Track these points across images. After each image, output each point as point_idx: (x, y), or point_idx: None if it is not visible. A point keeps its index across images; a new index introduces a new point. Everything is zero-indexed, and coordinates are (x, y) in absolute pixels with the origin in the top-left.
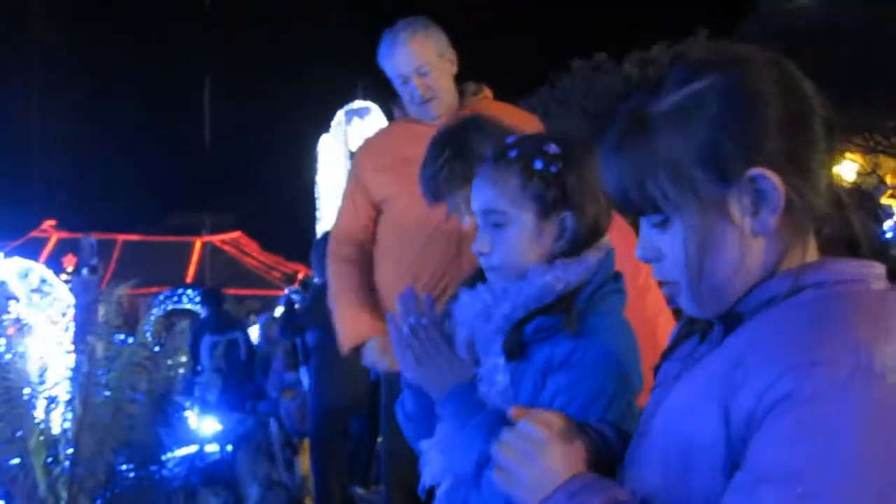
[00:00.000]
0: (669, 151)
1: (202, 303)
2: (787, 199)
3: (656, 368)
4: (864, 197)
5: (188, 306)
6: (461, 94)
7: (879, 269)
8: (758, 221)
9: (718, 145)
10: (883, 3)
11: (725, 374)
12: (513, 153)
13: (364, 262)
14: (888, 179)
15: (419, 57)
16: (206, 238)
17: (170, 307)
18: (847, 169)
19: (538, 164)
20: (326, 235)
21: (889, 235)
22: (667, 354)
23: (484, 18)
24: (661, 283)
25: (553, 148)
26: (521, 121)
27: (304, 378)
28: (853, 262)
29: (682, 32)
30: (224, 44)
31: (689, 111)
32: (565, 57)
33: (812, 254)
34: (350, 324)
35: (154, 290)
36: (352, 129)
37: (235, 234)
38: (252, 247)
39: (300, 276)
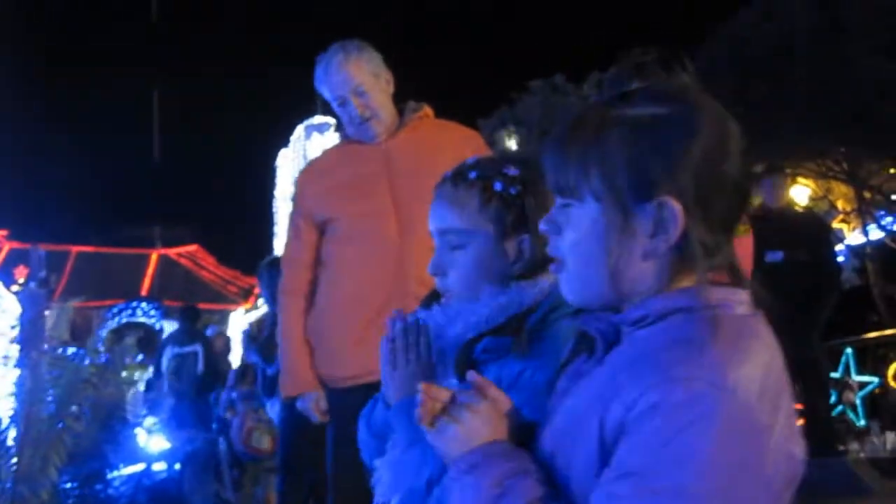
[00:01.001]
0: (610, 153)
1: (181, 317)
2: (683, 233)
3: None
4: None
5: (142, 319)
6: (401, 112)
7: (744, 295)
8: (651, 244)
9: (650, 165)
10: (836, 28)
11: (603, 389)
12: (472, 174)
13: (312, 289)
14: (839, 204)
15: (355, 78)
16: (162, 251)
17: (124, 320)
18: (800, 194)
19: (498, 186)
20: (273, 261)
21: (841, 259)
22: (559, 372)
23: (443, 39)
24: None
25: (513, 170)
26: (462, 139)
27: (271, 411)
28: (721, 288)
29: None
30: (178, 56)
31: (642, 127)
32: (524, 78)
33: (688, 281)
34: (293, 375)
35: (108, 302)
36: (311, 144)
37: (192, 248)
38: (209, 261)
39: (256, 290)
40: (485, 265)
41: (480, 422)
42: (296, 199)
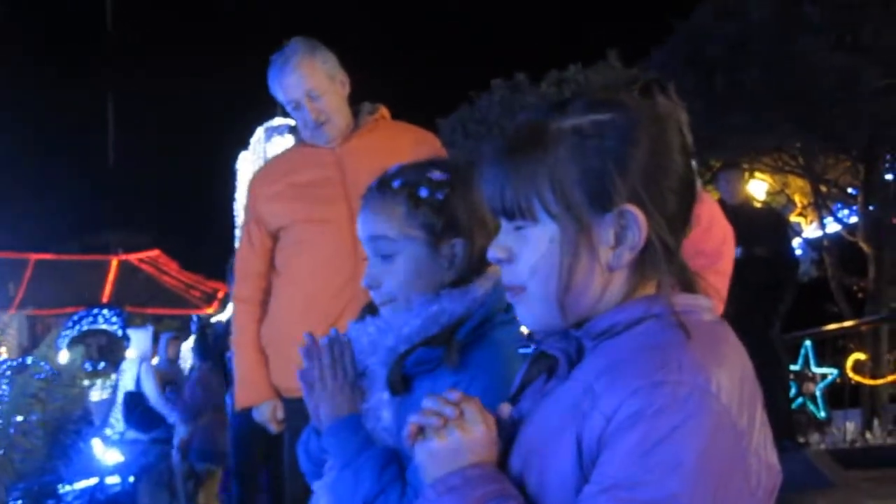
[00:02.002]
0: (559, 167)
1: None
2: (647, 241)
3: (513, 402)
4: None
5: (104, 326)
6: (356, 114)
7: (706, 302)
8: (614, 255)
9: (605, 174)
10: (793, 24)
11: (575, 403)
12: (397, 182)
13: (266, 297)
14: (796, 198)
15: (309, 81)
16: (123, 256)
17: (85, 327)
18: (757, 188)
19: (423, 192)
20: None
21: (799, 252)
22: (516, 396)
23: (404, 38)
24: (507, 288)
25: (438, 174)
26: (418, 141)
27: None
28: (686, 295)
29: (596, 55)
30: (134, 59)
31: (587, 136)
32: (484, 76)
33: (650, 288)
34: (246, 385)
35: (69, 310)
36: (271, 147)
37: (153, 253)
38: (171, 265)
39: (220, 294)
40: (418, 274)
41: (468, 443)
42: (248, 205)
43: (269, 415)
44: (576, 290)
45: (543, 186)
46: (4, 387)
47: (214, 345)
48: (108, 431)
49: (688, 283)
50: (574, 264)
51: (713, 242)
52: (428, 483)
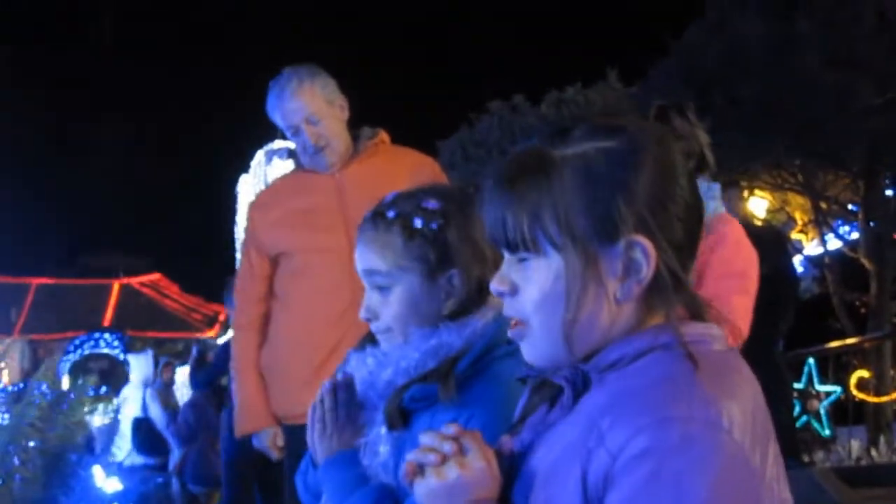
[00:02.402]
0: (564, 196)
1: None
2: (656, 272)
3: (513, 432)
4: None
5: (106, 350)
6: (356, 139)
7: (718, 331)
8: (623, 287)
9: (612, 205)
10: (789, 41)
11: (580, 438)
12: (391, 213)
13: (265, 323)
14: (797, 216)
15: (308, 106)
16: (124, 280)
17: (86, 352)
18: (757, 206)
19: (418, 223)
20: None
21: (800, 269)
22: (517, 427)
23: (402, 61)
24: (510, 322)
25: (432, 203)
26: (417, 165)
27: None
28: (696, 324)
29: (594, 74)
30: (134, 82)
31: (592, 163)
32: (482, 99)
33: (659, 318)
34: (246, 411)
35: (70, 334)
36: (271, 170)
37: (154, 276)
38: (172, 289)
39: (221, 317)
40: (415, 305)
41: (468, 481)
42: (248, 231)
43: (269, 442)
44: (582, 325)
45: (547, 217)
46: (4, 414)
47: (212, 371)
48: (109, 458)
49: (697, 311)
50: (580, 298)
51: (741, 263)
52: None
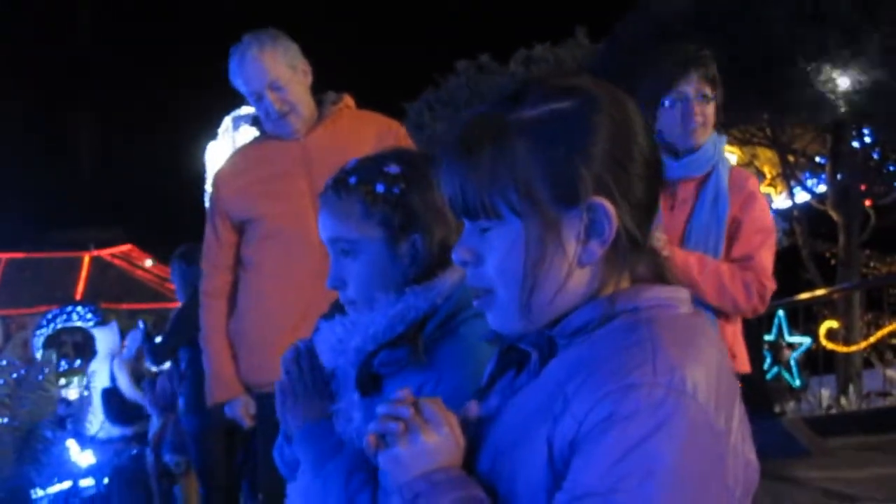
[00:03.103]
0: (521, 162)
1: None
2: (616, 233)
3: (481, 397)
4: None
5: (79, 324)
6: (320, 104)
7: (685, 293)
8: (586, 250)
9: (570, 167)
10: None
11: (546, 404)
12: (353, 179)
13: (233, 291)
14: (765, 169)
15: (270, 71)
16: (95, 252)
17: (59, 325)
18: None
19: (380, 188)
20: (183, 253)
21: None
22: (485, 391)
23: (368, 23)
24: (474, 291)
25: (394, 168)
26: (383, 129)
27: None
28: (663, 287)
29: (562, 32)
30: (100, 52)
31: (548, 127)
32: (450, 58)
33: (625, 282)
34: (220, 380)
35: (43, 308)
36: (240, 136)
37: (126, 247)
38: (144, 259)
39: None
40: (380, 272)
41: (432, 447)
42: (212, 199)
43: (241, 410)
44: (546, 289)
45: (506, 184)
46: None
47: (166, 342)
48: (83, 431)
49: (661, 274)
50: (543, 262)
51: (767, 219)
52: (394, 489)
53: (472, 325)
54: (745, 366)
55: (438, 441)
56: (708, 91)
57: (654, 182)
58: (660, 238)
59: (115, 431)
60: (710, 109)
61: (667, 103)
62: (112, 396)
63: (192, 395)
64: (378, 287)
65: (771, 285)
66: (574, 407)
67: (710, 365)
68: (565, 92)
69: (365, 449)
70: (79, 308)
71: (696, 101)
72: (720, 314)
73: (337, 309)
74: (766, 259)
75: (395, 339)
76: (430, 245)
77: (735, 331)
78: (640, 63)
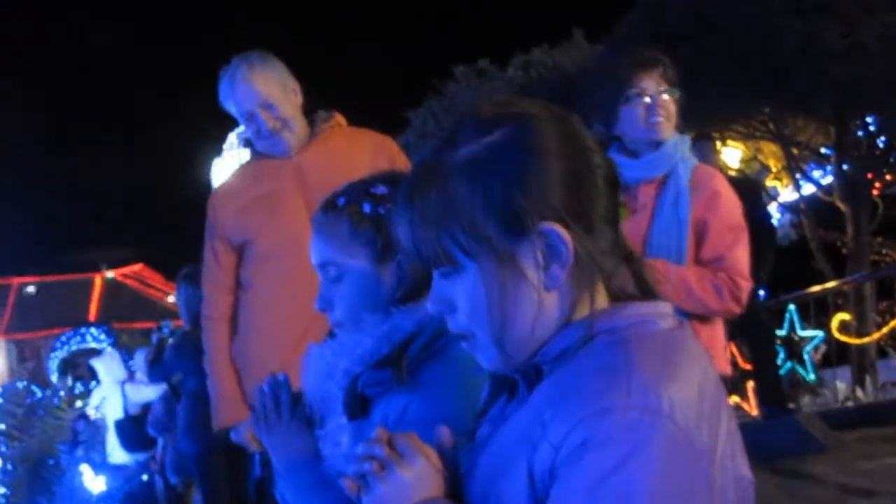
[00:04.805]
0: (463, 203)
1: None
2: (574, 253)
3: (472, 432)
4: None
5: (93, 345)
6: (311, 122)
7: (666, 307)
8: (548, 275)
9: (510, 199)
10: None
11: (527, 431)
12: (341, 200)
13: (235, 313)
14: (770, 163)
15: (261, 91)
16: (107, 273)
17: (74, 347)
18: (731, 156)
19: (366, 208)
20: (188, 274)
21: (777, 216)
22: (480, 418)
23: (363, 35)
24: (459, 336)
25: (381, 189)
26: (376, 146)
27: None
28: (642, 304)
29: (560, 34)
30: (106, 70)
31: (481, 163)
32: (448, 63)
33: (602, 301)
34: (223, 404)
35: (56, 331)
36: (244, 152)
37: (136, 267)
38: (155, 278)
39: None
40: (367, 293)
41: (410, 480)
42: (209, 222)
43: (247, 434)
44: (520, 323)
45: (453, 228)
46: None
47: (166, 368)
48: (96, 457)
49: (647, 288)
50: (507, 298)
51: (736, 216)
52: None
53: (458, 346)
54: (721, 366)
55: (415, 472)
56: (668, 88)
57: (613, 192)
58: None
59: (129, 458)
60: (672, 106)
61: (628, 100)
62: (125, 426)
63: (191, 417)
64: (365, 308)
65: (746, 284)
66: (550, 433)
67: (691, 380)
68: (495, 122)
69: (347, 492)
70: (92, 329)
71: (658, 95)
72: (693, 316)
73: (330, 333)
74: (740, 257)
75: (381, 360)
76: (415, 266)
77: (711, 332)
78: (596, 70)
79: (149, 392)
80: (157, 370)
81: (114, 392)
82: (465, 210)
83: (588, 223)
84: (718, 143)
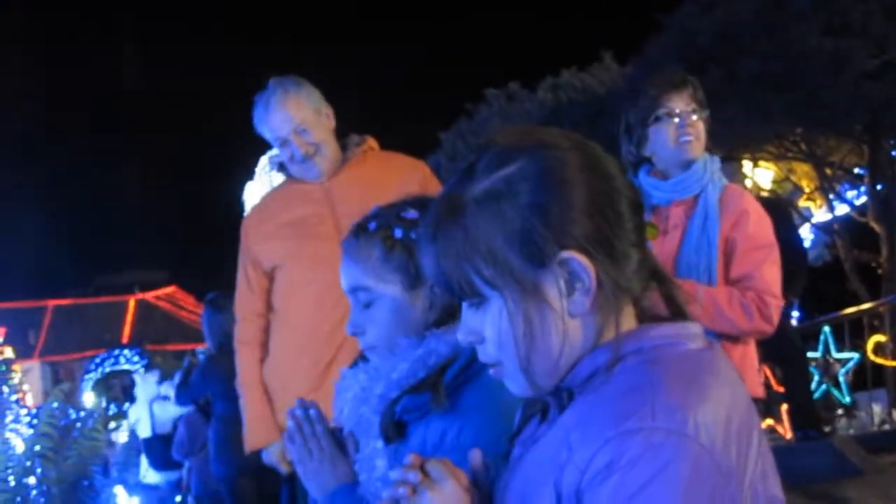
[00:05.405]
0: (483, 236)
1: None
2: (597, 280)
3: (507, 454)
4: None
5: (126, 366)
6: (344, 147)
7: (695, 328)
8: (573, 303)
9: (530, 230)
10: (781, 10)
11: (555, 453)
12: (372, 225)
13: (267, 337)
14: (803, 183)
15: (295, 116)
16: (140, 295)
17: (107, 369)
18: (763, 177)
19: (398, 233)
20: (212, 300)
21: (811, 237)
22: (513, 439)
23: (401, 56)
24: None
25: (412, 213)
26: (407, 170)
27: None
28: (669, 325)
29: (589, 57)
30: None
31: (500, 195)
32: (480, 86)
33: (629, 324)
34: (255, 426)
35: (90, 353)
36: (276, 175)
37: (170, 289)
38: (187, 300)
39: None
40: (400, 317)
41: (442, 501)
42: (242, 246)
43: (278, 456)
44: (547, 351)
45: (476, 260)
46: (19, 441)
47: (194, 390)
48: (130, 478)
49: (673, 300)
50: (532, 327)
51: (766, 235)
52: None
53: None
54: (754, 388)
55: (447, 494)
56: (697, 108)
57: (638, 215)
58: None
59: (160, 477)
60: (702, 126)
61: (658, 120)
62: (154, 444)
63: (220, 440)
64: (398, 332)
65: (776, 302)
66: (576, 456)
67: (718, 401)
68: (514, 153)
69: None
70: (126, 351)
71: (687, 115)
72: (724, 337)
73: (361, 357)
74: (769, 275)
75: (418, 384)
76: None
77: (743, 353)
78: (625, 91)
79: (176, 410)
80: (184, 392)
81: (144, 411)
82: (485, 242)
83: (611, 249)
84: (750, 164)
